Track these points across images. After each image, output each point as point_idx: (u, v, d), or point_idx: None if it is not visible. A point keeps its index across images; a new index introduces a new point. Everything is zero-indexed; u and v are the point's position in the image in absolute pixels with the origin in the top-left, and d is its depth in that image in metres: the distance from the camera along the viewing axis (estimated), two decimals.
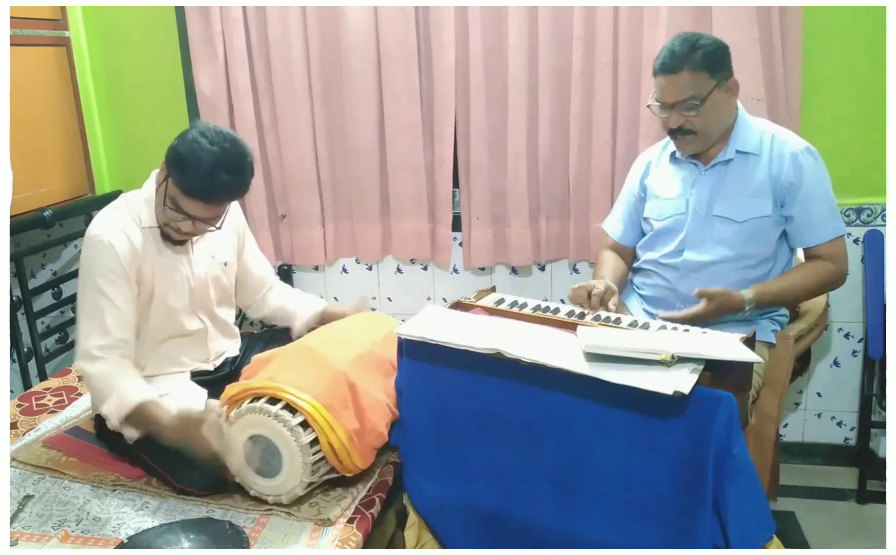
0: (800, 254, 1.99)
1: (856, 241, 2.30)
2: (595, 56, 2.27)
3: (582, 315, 1.73)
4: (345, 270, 2.73)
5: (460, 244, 2.59)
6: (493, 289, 1.92)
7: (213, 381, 1.89)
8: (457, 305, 1.79)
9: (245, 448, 1.55)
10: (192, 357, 1.89)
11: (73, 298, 2.67)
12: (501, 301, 1.83)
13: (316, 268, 2.73)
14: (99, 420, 1.85)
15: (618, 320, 1.69)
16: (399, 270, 2.70)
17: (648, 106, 1.87)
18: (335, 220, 2.63)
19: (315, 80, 2.46)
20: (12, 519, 1.59)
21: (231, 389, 1.61)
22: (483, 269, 2.61)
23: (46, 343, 2.62)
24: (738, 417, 1.34)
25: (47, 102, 2.51)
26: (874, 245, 2.27)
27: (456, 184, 2.54)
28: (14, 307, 2.39)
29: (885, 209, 2.28)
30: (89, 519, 1.60)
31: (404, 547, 1.70)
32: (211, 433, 1.52)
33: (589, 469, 1.45)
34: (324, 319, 2.03)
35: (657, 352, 1.36)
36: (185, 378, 1.86)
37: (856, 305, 2.36)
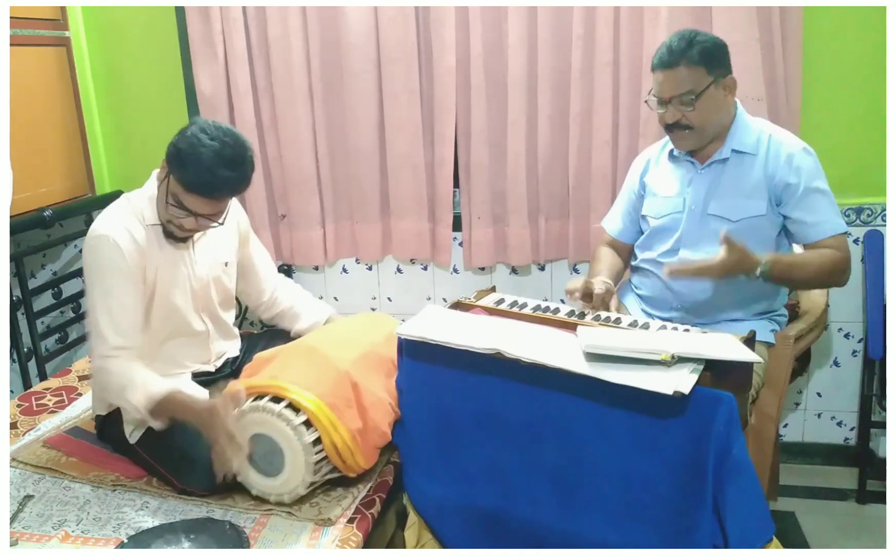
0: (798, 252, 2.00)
1: (856, 241, 2.30)
2: (595, 56, 2.27)
3: (582, 315, 1.73)
4: (345, 270, 2.73)
5: (460, 244, 2.59)
6: (493, 289, 1.92)
7: (214, 382, 1.89)
8: (457, 305, 1.80)
9: (247, 446, 1.55)
10: (194, 358, 1.89)
11: (73, 299, 2.68)
12: (501, 301, 1.83)
13: (316, 268, 2.73)
14: (100, 420, 1.86)
15: (618, 320, 1.69)
16: (399, 270, 2.70)
17: (646, 101, 1.88)
18: (335, 220, 2.63)
19: (315, 80, 2.46)
20: (12, 519, 1.59)
21: (234, 387, 1.61)
22: (483, 269, 2.61)
23: (46, 343, 2.62)
24: (737, 417, 1.34)
25: (47, 102, 2.51)
26: (874, 245, 2.27)
27: (456, 184, 2.54)
28: (14, 307, 2.39)
29: (885, 209, 2.28)
30: (89, 519, 1.61)
31: (404, 547, 1.70)
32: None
33: (589, 469, 1.45)
34: None
35: (657, 352, 1.37)
36: (186, 379, 1.86)
37: (856, 305, 2.36)
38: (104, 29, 2.67)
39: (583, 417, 1.44)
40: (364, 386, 1.62)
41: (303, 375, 1.58)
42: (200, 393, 1.79)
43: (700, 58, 1.73)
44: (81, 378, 2.31)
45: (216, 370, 1.94)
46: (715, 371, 1.39)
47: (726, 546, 1.34)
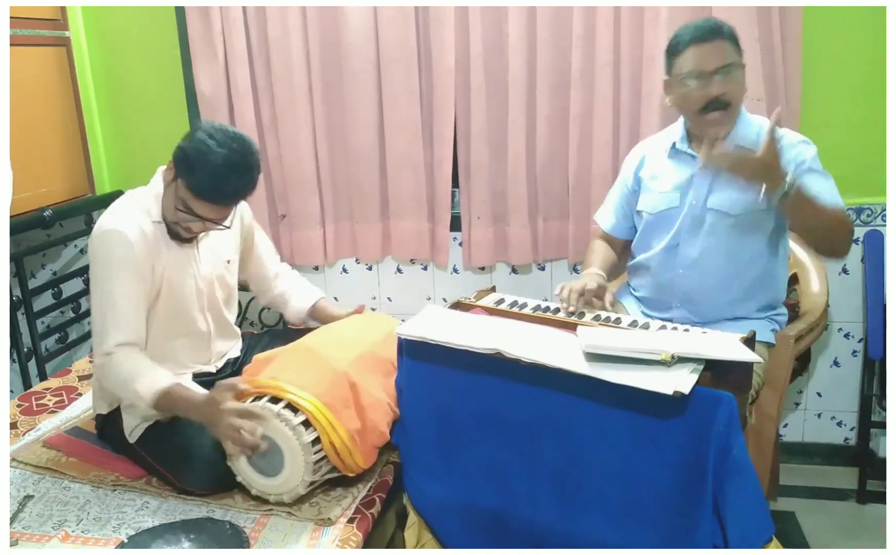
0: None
1: (856, 241, 2.30)
2: (595, 56, 2.27)
3: (582, 315, 1.73)
4: (345, 271, 2.73)
5: (460, 244, 2.59)
6: (493, 289, 1.92)
7: (215, 382, 1.89)
8: (457, 305, 1.80)
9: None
10: (195, 359, 1.90)
11: (73, 299, 2.68)
12: (501, 301, 1.83)
13: (316, 268, 2.73)
14: (100, 420, 1.86)
15: (618, 320, 1.69)
16: (399, 271, 2.70)
17: (671, 82, 1.81)
18: (335, 220, 2.63)
19: (315, 81, 2.46)
20: (12, 519, 1.59)
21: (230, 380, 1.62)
22: (483, 268, 2.61)
23: (46, 343, 2.62)
24: (737, 417, 1.34)
25: (47, 102, 2.51)
26: (874, 245, 2.27)
27: (456, 184, 2.54)
28: (14, 307, 2.39)
29: (885, 209, 2.28)
30: (89, 519, 1.61)
31: (404, 547, 1.70)
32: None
33: (589, 469, 1.45)
34: (315, 313, 2.07)
35: (657, 352, 1.37)
36: (187, 380, 1.86)
37: (856, 305, 2.36)
38: (104, 29, 2.67)
39: (583, 417, 1.44)
40: (362, 386, 1.63)
41: (301, 375, 1.59)
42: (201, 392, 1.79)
43: (731, 37, 1.75)
44: (81, 378, 2.31)
45: (217, 371, 1.94)
46: (715, 371, 1.39)
47: (726, 546, 1.34)
